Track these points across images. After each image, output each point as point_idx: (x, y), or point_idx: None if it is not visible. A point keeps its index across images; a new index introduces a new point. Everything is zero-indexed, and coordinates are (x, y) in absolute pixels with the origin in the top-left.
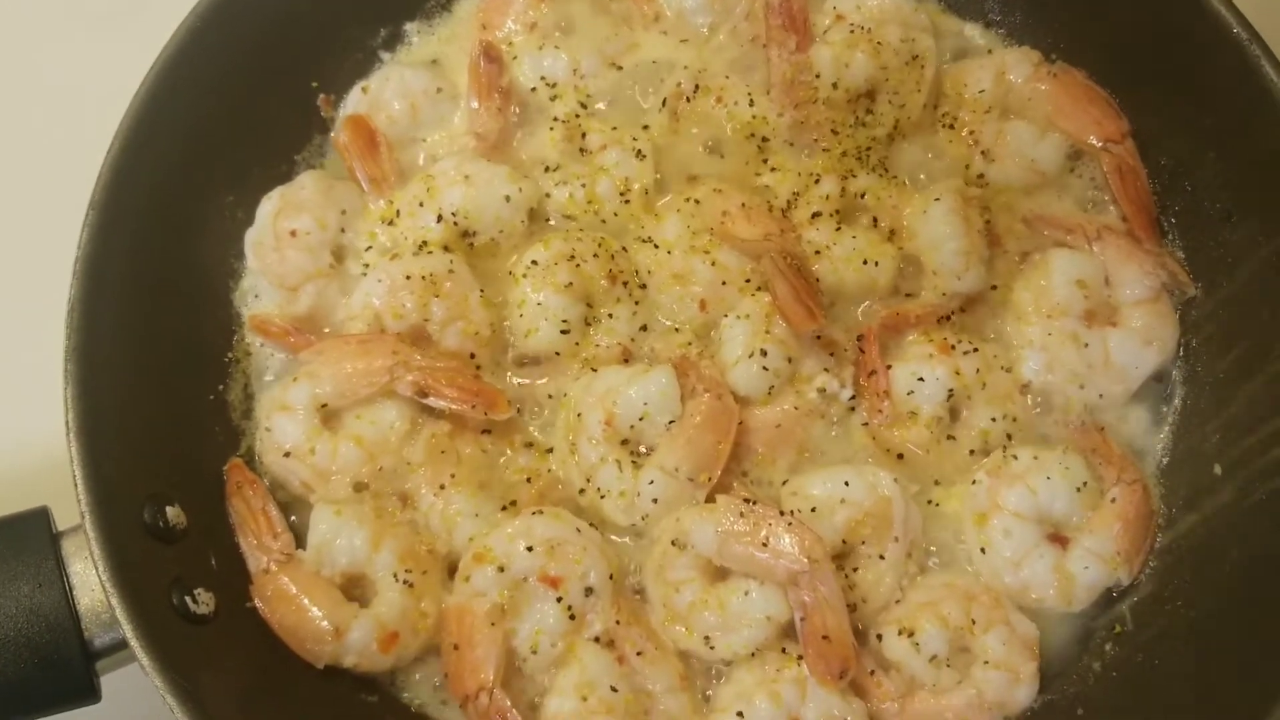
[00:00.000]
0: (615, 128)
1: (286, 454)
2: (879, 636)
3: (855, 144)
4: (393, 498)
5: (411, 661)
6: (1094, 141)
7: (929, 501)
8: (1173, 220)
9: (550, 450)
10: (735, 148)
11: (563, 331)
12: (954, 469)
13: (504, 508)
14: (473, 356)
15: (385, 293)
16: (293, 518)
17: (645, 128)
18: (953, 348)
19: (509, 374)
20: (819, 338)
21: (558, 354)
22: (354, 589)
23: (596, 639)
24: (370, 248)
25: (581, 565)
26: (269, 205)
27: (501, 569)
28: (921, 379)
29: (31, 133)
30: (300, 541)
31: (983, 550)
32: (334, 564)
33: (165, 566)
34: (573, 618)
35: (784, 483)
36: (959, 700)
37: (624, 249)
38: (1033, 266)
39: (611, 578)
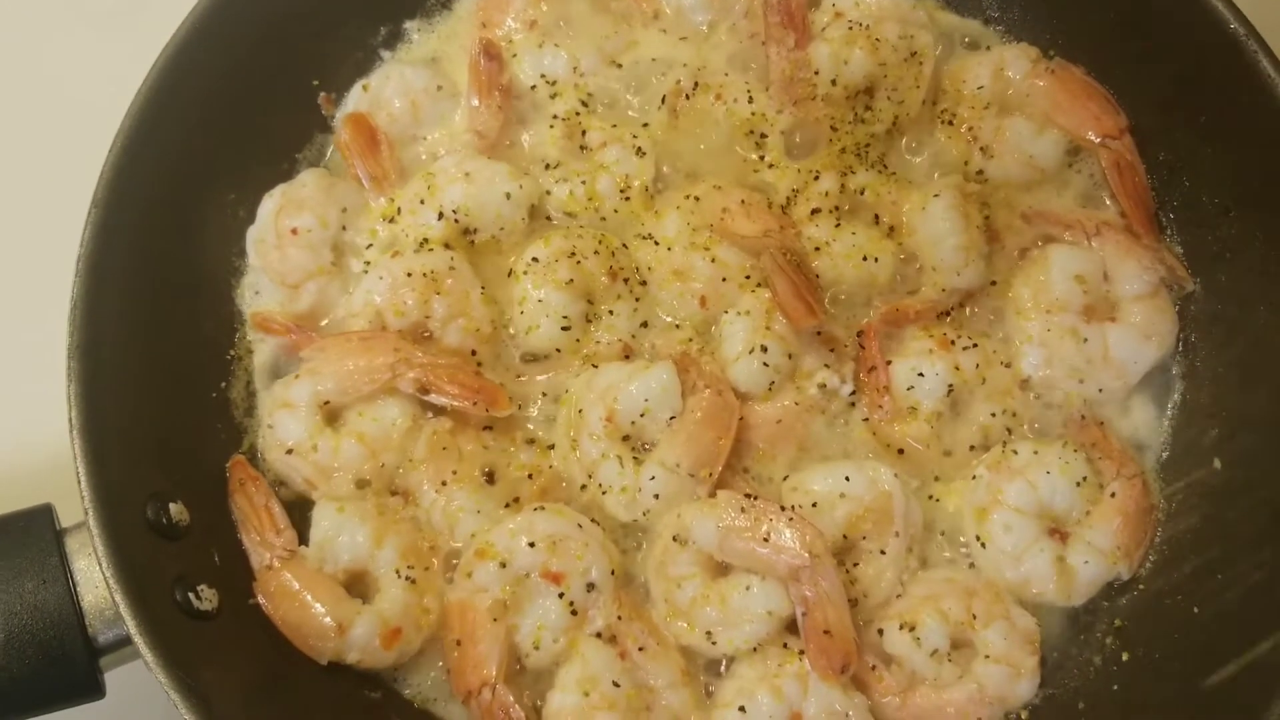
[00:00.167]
0: (615, 125)
1: (289, 451)
2: (880, 631)
3: (854, 140)
4: (395, 494)
5: (414, 657)
6: (1092, 137)
7: (929, 497)
8: (1171, 215)
9: (552, 447)
10: (734, 144)
11: (564, 328)
12: (954, 464)
13: (506, 504)
14: (474, 353)
15: (386, 290)
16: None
17: (645, 125)
18: (952, 343)
19: (511, 370)
20: (819, 334)
21: (559, 350)
22: (356, 585)
23: (598, 634)
24: (371, 245)
25: (583, 561)
26: (270, 203)
27: (503, 565)
28: (921, 374)
29: (34, 131)
30: (303, 538)
31: (983, 545)
32: (336, 560)
33: (168, 563)
34: (575, 613)
35: (785, 478)
36: (960, 695)
37: (624, 246)
38: (1032, 262)
39: (613, 573)
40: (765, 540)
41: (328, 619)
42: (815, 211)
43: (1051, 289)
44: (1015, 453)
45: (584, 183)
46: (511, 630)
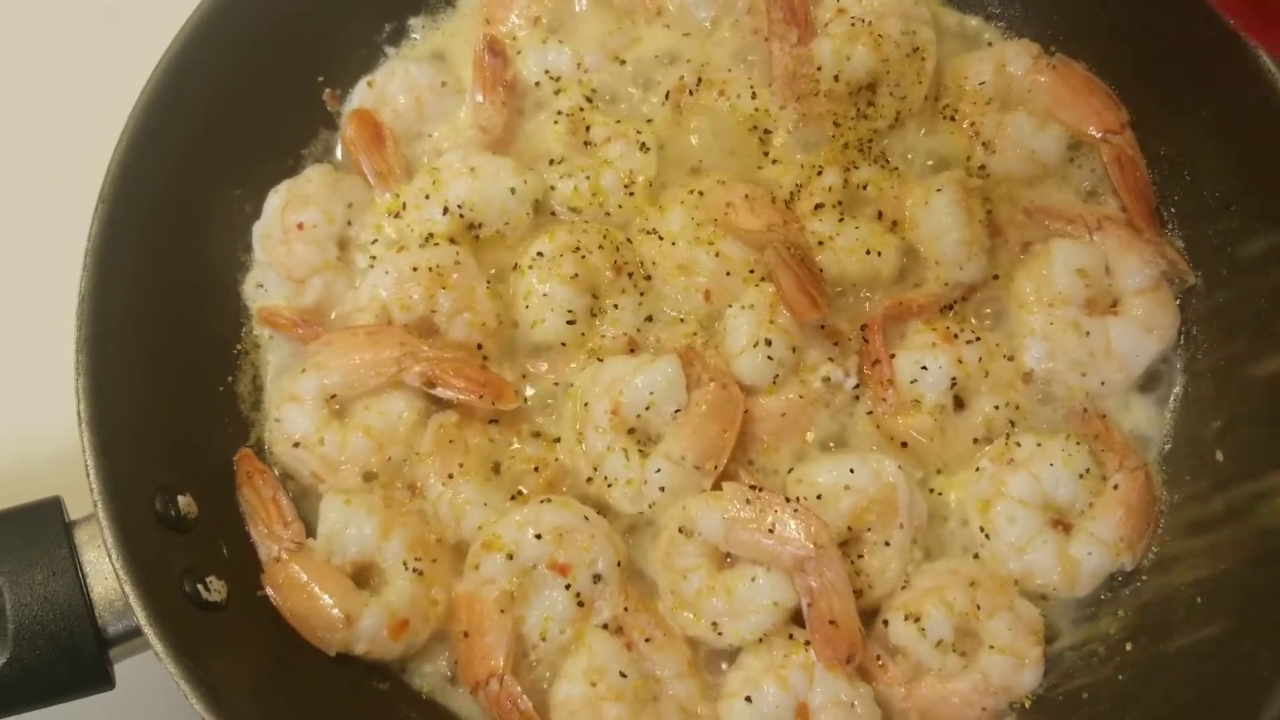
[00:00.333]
0: (619, 121)
1: (296, 444)
2: (885, 622)
3: (857, 136)
4: (402, 487)
5: (422, 649)
6: (1094, 132)
7: (932, 490)
8: (1172, 210)
9: (557, 440)
10: (738, 140)
11: (569, 322)
12: (957, 457)
13: (512, 497)
14: (480, 347)
15: (392, 284)
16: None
17: (649, 121)
18: (955, 336)
19: (516, 365)
20: (823, 327)
21: (564, 344)
22: (364, 578)
23: (605, 625)
24: (377, 240)
25: (590, 552)
26: (276, 199)
27: (510, 556)
28: (925, 367)
29: (41, 127)
30: (310, 531)
31: (987, 536)
32: (344, 553)
33: (177, 555)
34: (581, 604)
35: (789, 470)
36: (965, 685)
37: (629, 240)
38: (1034, 256)
39: (619, 565)
40: (770, 531)
41: (336, 610)
42: (819, 206)
43: (1054, 283)
44: (1018, 445)
45: (588, 178)
46: (519, 621)
